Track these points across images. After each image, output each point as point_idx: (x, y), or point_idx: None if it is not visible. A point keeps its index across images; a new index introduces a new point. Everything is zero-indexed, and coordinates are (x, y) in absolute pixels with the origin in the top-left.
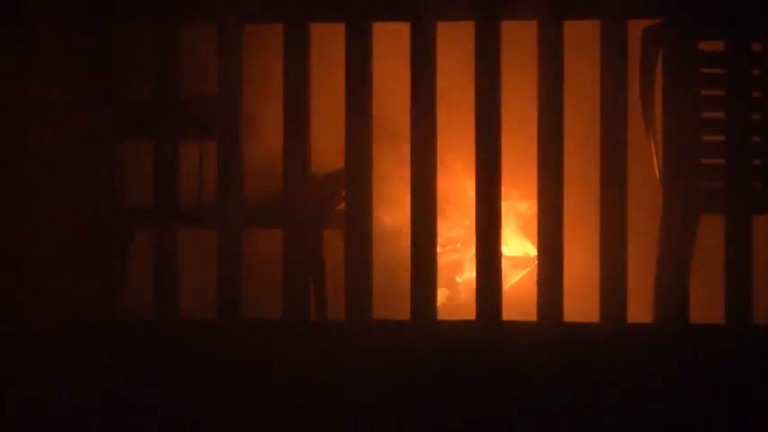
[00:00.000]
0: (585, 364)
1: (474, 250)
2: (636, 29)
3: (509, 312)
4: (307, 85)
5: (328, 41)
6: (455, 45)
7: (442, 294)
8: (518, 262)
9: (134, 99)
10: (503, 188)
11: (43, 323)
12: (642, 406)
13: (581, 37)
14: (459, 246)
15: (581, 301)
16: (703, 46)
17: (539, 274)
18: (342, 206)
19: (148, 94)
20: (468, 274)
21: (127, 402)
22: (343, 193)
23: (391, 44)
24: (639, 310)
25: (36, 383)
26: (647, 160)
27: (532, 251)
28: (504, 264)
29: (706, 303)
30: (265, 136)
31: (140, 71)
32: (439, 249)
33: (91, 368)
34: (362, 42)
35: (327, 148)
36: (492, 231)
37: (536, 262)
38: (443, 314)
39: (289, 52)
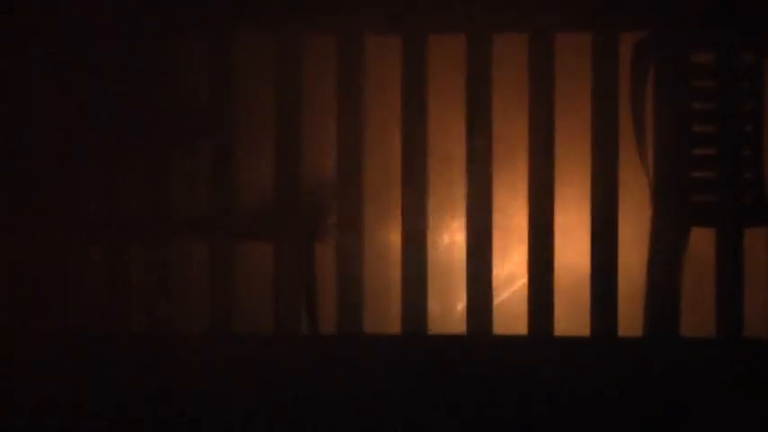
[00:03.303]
0: (574, 377)
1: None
2: (627, 42)
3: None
4: (299, 96)
5: (315, 53)
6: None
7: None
8: (510, 276)
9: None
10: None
11: (31, 334)
12: (632, 419)
13: (572, 50)
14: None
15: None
16: (695, 58)
17: (529, 288)
18: (333, 219)
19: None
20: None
21: (113, 414)
22: (335, 205)
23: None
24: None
25: (15, 392)
26: (638, 173)
27: (524, 266)
28: (496, 277)
29: (697, 316)
30: (257, 148)
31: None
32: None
33: (78, 379)
34: (355, 54)
35: (319, 160)
36: (483, 245)
37: (527, 277)
38: (436, 328)
39: (280, 62)
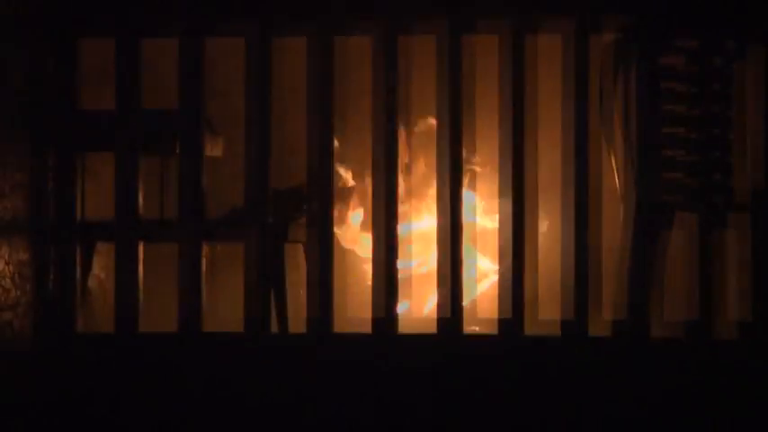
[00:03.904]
0: (545, 377)
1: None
2: (599, 40)
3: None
4: (269, 99)
5: (290, 54)
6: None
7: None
8: (480, 275)
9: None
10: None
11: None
12: (606, 413)
13: (546, 47)
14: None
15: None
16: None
17: (499, 288)
18: (303, 220)
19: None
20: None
21: (86, 416)
22: (305, 207)
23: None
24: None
25: None
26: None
27: (494, 265)
28: (467, 277)
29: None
30: (228, 149)
31: (102, 83)
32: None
33: (51, 381)
34: (325, 57)
35: (290, 162)
36: (453, 244)
37: (497, 275)
38: (407, 328)
39: (250, 65)
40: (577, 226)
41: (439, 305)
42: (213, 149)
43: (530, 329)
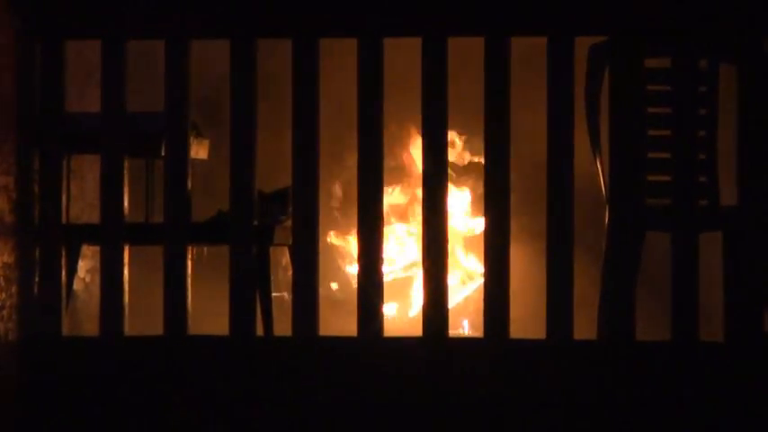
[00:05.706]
0: (530, 380)
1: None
2: (582, 46)
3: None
4: (254, 101)
5: (275, 57)
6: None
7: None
8: (466, 279)
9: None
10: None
11: None
12: (586, 422)
13: (530, 52)
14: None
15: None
16: (649, 63)
17: (485, 292)
18: (289, 223)
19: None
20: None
21: (70, 420)
22: (291, 210)
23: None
24: (585, 326)
25: None
26: (593, 177)
27: (480, 268)
28: (453, 280)
29: (652, 320)
30: (214, 152)
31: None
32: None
33: (35, 384)
34: (311, 59)
35: (275, 165)
36: (439, 248)
37: (483, 279)
38: (393, 330)
39: (236, 69)
40: (560, 231)
41: (424, 307)
42: (199, 152)
43: (515, 333)
